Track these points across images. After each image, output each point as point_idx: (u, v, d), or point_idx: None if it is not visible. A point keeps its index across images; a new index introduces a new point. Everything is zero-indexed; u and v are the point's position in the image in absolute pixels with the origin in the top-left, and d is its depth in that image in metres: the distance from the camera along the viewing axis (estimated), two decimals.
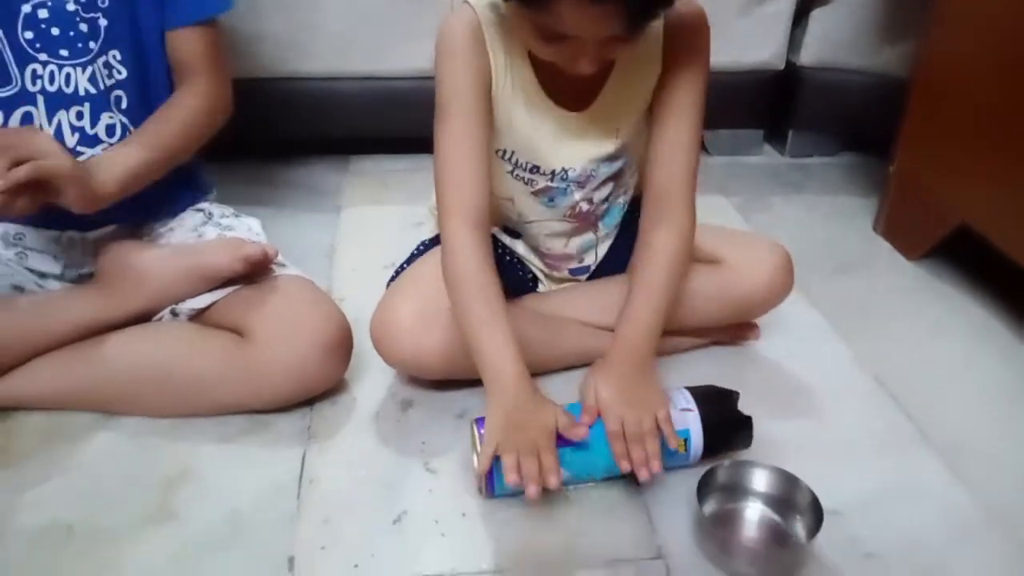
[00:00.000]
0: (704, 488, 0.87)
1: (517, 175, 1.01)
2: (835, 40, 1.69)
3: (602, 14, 0.76)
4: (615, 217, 1.11)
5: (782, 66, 1.72)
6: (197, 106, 1.09)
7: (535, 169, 1.00)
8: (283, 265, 1.09)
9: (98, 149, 1.05)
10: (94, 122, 1.05)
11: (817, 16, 1.68)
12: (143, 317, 1.03)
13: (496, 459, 0.85)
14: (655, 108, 0.98)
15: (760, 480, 0.89)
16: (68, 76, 1.02)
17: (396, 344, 1.01)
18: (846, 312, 1.27)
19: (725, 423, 0.93)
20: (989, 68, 1.23)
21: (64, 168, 0.90)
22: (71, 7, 1.01)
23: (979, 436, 1.03)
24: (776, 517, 0.88)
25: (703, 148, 1.84)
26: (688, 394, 0.93)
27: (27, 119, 1.02)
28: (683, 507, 0.88)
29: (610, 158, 1.01)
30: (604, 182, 1.04)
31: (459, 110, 0.92)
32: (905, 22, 1.58)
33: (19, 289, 1.05)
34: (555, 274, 1.13)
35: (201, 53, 1.10)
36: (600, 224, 1.10)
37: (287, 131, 1.68)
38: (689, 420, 0.91)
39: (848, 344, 1.20)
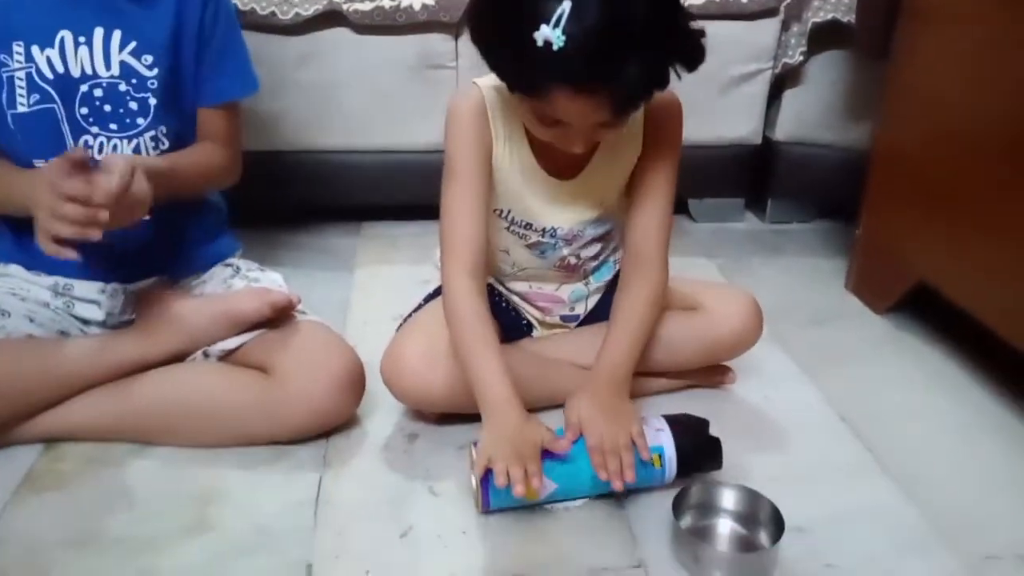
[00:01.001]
0: (679, 506, 0.97)
1: (512, 230, 1.14)
2: (806, 118, 1.84)
3: (591, 105, 0.89)
4: (605, 273, 1.24)
5: (759, 141, 1.87)
6: (214, 159, 1.22)
7: (528, 226, 1.13)
8: (303, 312, 1.20)
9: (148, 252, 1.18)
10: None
11: (789, 96, 1.84)
12: (178, 357, 1.14)
13: (490, 479, 0.96)
14: (635, 180, 1.12)
15: (728, 498, 1.00)
16: (115, 147, 1.14)
17: (404, 381, 1.12)
18: (817, 359, 1.38)
19: (696, 442, 1.04)
20: (936, 140, 1.37)
21: (130, 160, 0.99)
22: (123, 87, 1.13)
23: (932, 466, 1.13)
24: (743, 530, 0.98)
25: (688, 215, 1.99)
26: (662, 419, 1.05)
27: None
28: (661, 523, 0.98)
29: (595, 221, 1.15)
30: (592, 241, 1.17)
31: (463, 174, 1.06)
32: (867, 101, 1.72)
33: (65, 334, 1.15)
34: (547, 319, 1.25)
35: (224, 128, 1.23)
36: (591, 278, 1.23)
37: (306, 198, 1.82)
38: (663, 438, 1.02)
39: (818, 387, 1.31)
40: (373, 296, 1.58)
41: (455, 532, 0.99)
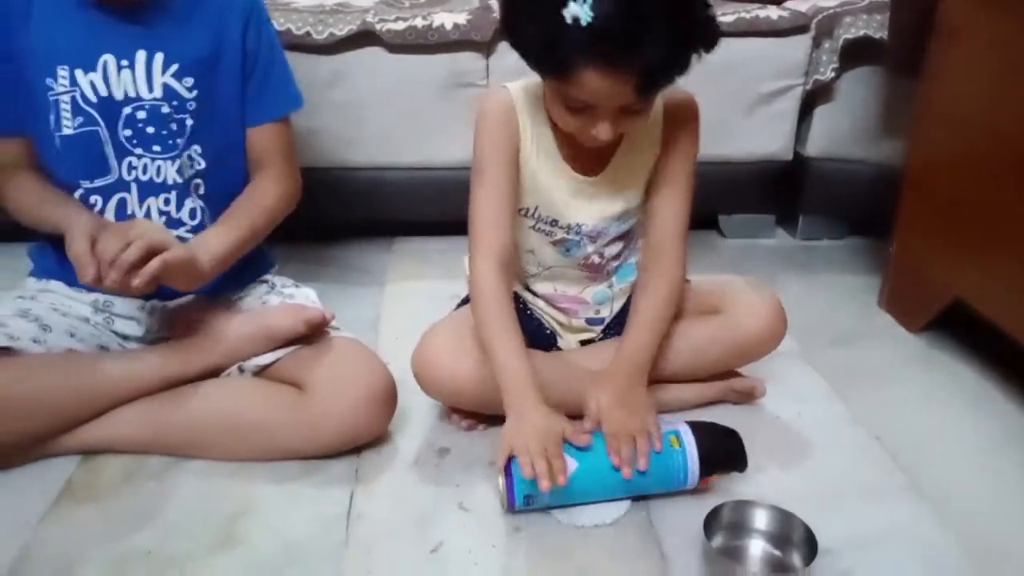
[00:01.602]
0: (710, 525, 0.96)
1: (538, 228, 1.18)
2: (837, 134, 1.83)
3: (617, 84, 0.94)
4: (629, 275, 1.25)
5: (790, 157, 1.87)
6: (276, 192, 1.24)
7: (554, 223, 1.17)
8: (336, 329, 1.22)
9: (181, 231, 1.20)
10: (179, 207, 1.20)
11: (820, 113, 1.83)
12: (214, 372, 1.16)
13: (513, 475, 0.98)
14: (655, 177, 1.17)
15: (761, 518, 0.99)
16: (159, 168, 1.17)
17: (434, 374, 1.15)
18: (849, 377, 1.37)
19: (715, 436, 1.05)
20: (967, 158, 1.37)
21: (177, 254, 1.02)
22: (165, 109, 1.15)
23: (966, 488, 1.11)
24: (775, 551, 0.97)
25: (719, 231, 1.99)
26: (683, 422, 1.08)
27: (122, 204, 1.18)
28: (692, 542, 0.97)
29: (618, 218, 1.18)
30: (614, 240, 1.20)
31: (492, 171, 1.11)
32: (899, 118, 1.71)
33: (104, 348, 1.18)
34: (573, 322, 1.26)
35: (277, 146, 1.26)
36: (614, 279, 1.25)
37: (338, 214, 1.83)
38: (680, 426, 1.05)
39: (849, 405, 1.29)
40: (404, 312, 1.59)
41: (485, 547, 0.99)
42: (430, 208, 1.83)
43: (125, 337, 1.21)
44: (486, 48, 1.71)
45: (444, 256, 1.82)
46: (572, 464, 1.00)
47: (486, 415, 1.18)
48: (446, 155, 1.76)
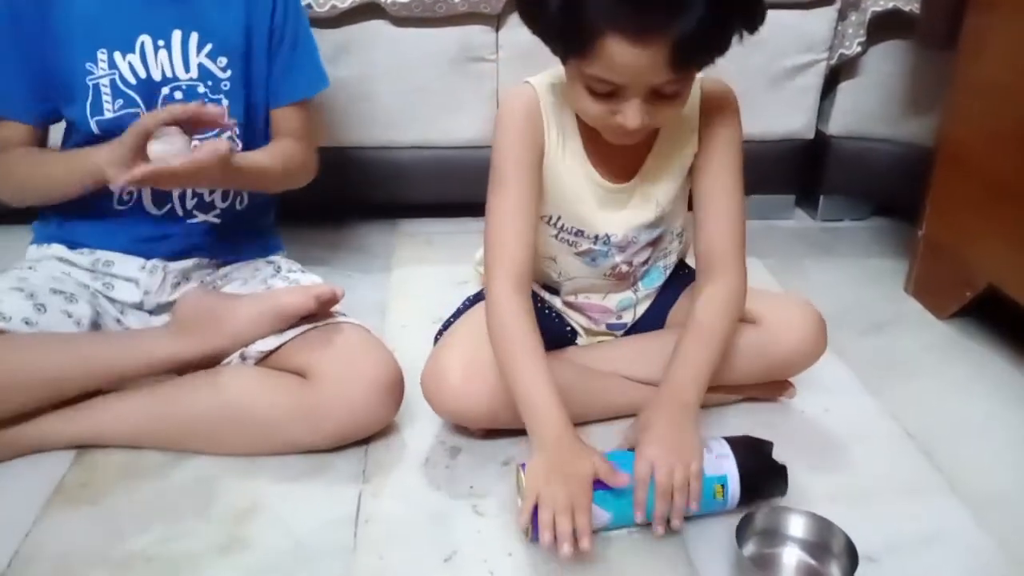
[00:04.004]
0: (743, 532, 0.90)
1: (562, 238, 1.08)
2: (862, 111, 1.76)
3: (647, 58, 0.82)
4: (655, 279, 1.17)
5: (812, 135, 1.80)
6: (301, 158, 1.23)
7: (580, 233, 1.07)
8: (342, 314, 1.16)
9: (211, 216, 1.21)
10: (212, 189, 1.18)
11: (845, 89, 1.76)
12: (217, 357, 1.10)
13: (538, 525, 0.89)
14: (698, 178, 1.06)
15: (797, 525, 0.93)
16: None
17: (445, 395, 1.07)
18: (878, 369, 1.31)
19: (761, 470, 0.97)
20: (1009, 137, 1.29)
21: (228, 145, 1.02)
22: (201, 89, 1.14)
23: (1005, 487, 1.06)
24: (812, 561, 0.91)
25: None
26: (724, 442, 0.98)
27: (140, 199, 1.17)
28: (722, 550, 0.92)
29: (650, 226, 1.08)
30: (643, 247, 1.11)
31: (512, 179, 1.01)
32: (928, 94, 1.65)
33: (97, 326, 1.13)
34: (593, 327, 1.19)
35: (298, 127, 1.25)
36: (640, 284, 1.16)
37: (341, 195, 1.77)
38: (726, 466, 0.95)
39: (879, 399, 1.24)
40: (411, 298, 1.53)
41: (501, 555, 0.94)
42: (437, 189, 1.77)
43: (124, 306, 1.18)
44: (496, 21, 1.63)
45: (451, 239, 1.76)
46: (604, 517, 0.92)
47: None
48: (454, 134, 1.70)
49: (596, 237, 1.08)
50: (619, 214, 1.06)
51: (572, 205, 1.05)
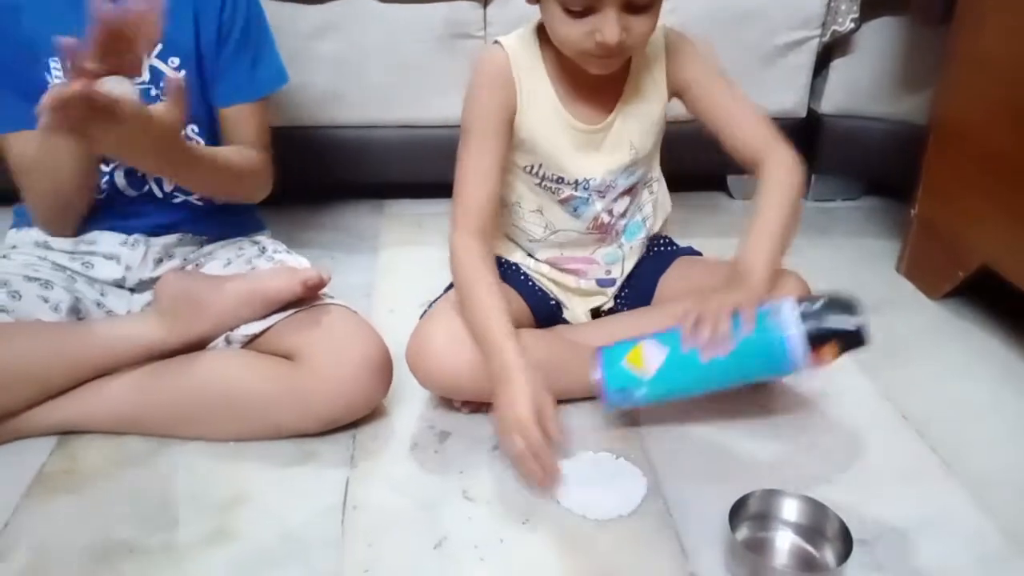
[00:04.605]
0: (735, 516, 0.89)
1: (545, 186, 1.12)
2: (855, 89, 1.74)
3: None
4: (636, 232, 1.20)
5: (804, 114, 1.77)
6: (247, 160, 1.17)
7: (560, 179, 1.11)
8: (330, 296, 1.14)
9: (192, 198, 1.18)
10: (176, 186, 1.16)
11: (838, 66, 1.73)
12: (202, 342, 1.08)
13: (604, 377, 1.00)
14: (702, 106, 1.12)
15: (790, 509, 0.92)
16: None
17: (429, 365, 1.07)
18: (871, 350, 1.29)
19: (824, 299, 0.95)
20: (1004, 114, 1.27)
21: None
22: (153, 92, 1.10)
23: (1003, 468, 1.05)
24: (806, 545, 0.90)
25: (727, 192, 1.90)
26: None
27: (112, 183, 1.14)
28: (715, 534, 0.91)
29: (626, 170, 1.13)
30: (622, 194, 1.15)
31: (479, 134, 1.07)
32: (921, 72, 1.62)
33: (76, 312, 1.10)
34: (582, 284, 1.19)
35: (252, 131, 1.19)
36: (623, 239, 1.19)
37: (326, 176, 1.75)
38: (782, 301, 0.97)
39: (873, 381, 1.23)
40: (398, 280, 1.51)
41: (492, 541, 0.92)
42: (424, 169, 1.73)
43: (104, 286, 1.15)
44: None
45: (439, 220, 1.70)
46: (662, 353, 0.94)
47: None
48: (441, 112, 1.66)
49: (576, 183, 1.12)
50: (595, 157, 1.11)
51: (550, 151, 1.09)
